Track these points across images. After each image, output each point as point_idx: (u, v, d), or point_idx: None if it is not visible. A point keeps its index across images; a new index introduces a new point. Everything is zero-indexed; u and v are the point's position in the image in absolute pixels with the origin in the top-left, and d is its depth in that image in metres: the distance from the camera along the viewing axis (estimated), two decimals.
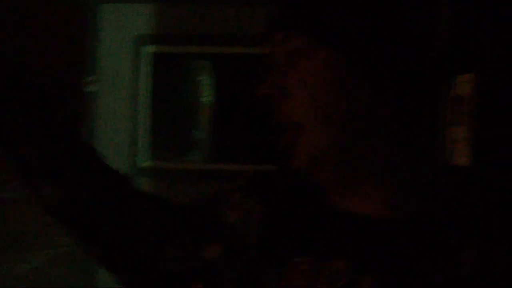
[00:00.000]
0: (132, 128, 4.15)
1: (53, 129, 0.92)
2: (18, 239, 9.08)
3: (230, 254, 0.92)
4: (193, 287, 0.93)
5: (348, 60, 0.84)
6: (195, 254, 0.92)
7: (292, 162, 0.87)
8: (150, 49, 4.13)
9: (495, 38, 1.98)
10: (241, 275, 0.91)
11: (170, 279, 0.93)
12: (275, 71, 0.89)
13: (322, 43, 0.85)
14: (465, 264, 0.81)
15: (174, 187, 4.16)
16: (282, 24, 0.89)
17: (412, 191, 0.88)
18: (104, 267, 0.93)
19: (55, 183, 0.91)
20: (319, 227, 0.88)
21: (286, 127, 0.87)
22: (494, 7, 2.05)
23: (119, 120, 4.18)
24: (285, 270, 0.85)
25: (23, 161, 0.91)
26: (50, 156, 0.91)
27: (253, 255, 0.91)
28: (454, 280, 0.81)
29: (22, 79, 0.92)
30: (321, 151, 0.85)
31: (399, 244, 0.84)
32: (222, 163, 4.15)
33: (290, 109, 0.86)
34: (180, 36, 4.12)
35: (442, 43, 0.91)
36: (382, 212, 0.86)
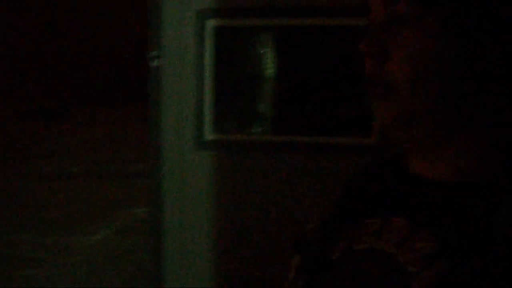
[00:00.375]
0: (197, 102, 4.18)
1: None
2: (88, 211, 9.34)
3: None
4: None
5: (451, 31, 0.89)
6: None
7: (377, 119, 1.00)
8: (214, 22, 4.14)
9: None
10: (324, 236, 1.05)
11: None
12: (378, 30, 0.96)
13: (428, 11, 0.88)
14: None
15: (240, 160, 4.19)
16: None
17: (485, 159, 0.92)
18: None
19: None
20: (389, 190, 1.01)
21: (379, 85, 0.94)
22: None
23: (185, 94, 4.21)
24: (357, 231, 0.97)
25: None
26: None
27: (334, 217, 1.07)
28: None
29: None
30: (409, 111, 0.93)
31: (459, 207, 0.88)
32: (286, 135, 4.15)
33: (387, 69, 0.93)
34: (242, 9, 4.11)
35: None
36: (449, 176, 0.94)
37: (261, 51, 4.22)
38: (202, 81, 4.15)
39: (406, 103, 0.92)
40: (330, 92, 4.10)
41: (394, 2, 0.93)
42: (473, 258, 0.81)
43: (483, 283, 0.79)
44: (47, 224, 8.17)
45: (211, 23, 4.12)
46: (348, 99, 4.10)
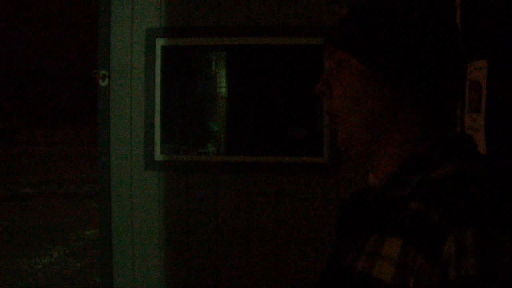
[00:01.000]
0: (147, 122, 4.15)
1: None
2: (40, 234, 9.17)
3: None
4: None
5: (375, 69, 1.16)
6: None
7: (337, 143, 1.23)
8: (163, 41, 4.12)
9: (508, 21, 1.97)
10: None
11: None
12: (326, 74, 1.24)
13: (354, 57, 1.17)
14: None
15: (189, 180, 4.15)
16: (332, 41, 1.22)
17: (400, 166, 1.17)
18: None
19: None
20: (361, 208, 1.25)
21: (330, 116, 1.23)
22: None
23: (134, 114, 4.17)
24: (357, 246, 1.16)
25: None
26: None
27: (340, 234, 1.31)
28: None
29: None
30: (348, 135, 1.20)
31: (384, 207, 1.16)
32: (237, 156, 4.13)
33: (332, 103, 1.22)
34: (192, 28, 4.10)
35: (457, 31, 1.19)
36: (382, 182, 1.18)
37: (212, 71, 4.21)
38: (152, 101, 4.11)
39: (345, 128, 1.20)
40: (281, 113, 4.11)
41: (335, 52, 1.21)
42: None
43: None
44: None
45: (160, 42, 4.10)
46: (299, 119, 4.11)
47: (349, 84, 1.18)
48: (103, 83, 4.15)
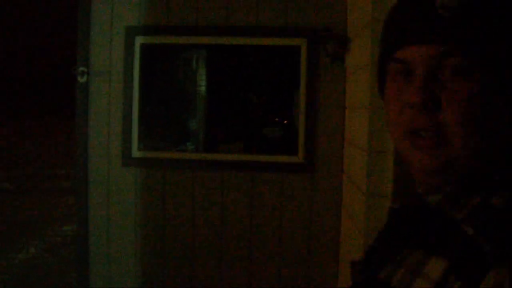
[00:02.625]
0: (125, 119, 4.16)
1: None
2: (17, 229, 9.12)
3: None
4: None
5: (502, 84, 0.97)
6: None
7: (414, 168, 1.04)
8: (143, 39, 4.13)
9: None
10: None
11: None
12: (429, 80, 0.98)
13: (483, 65, 0.96)
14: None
15: (167, 177, 4.18)
16: (443, 37, 0.97)
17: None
18: None
19: None
20: (412, 221, 1.10)
21: (429, 135, 0.98)
22: None
23: (112, 110, 4.19)
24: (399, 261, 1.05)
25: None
26: None
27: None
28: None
29: None
30: (457, 158, 0.99)
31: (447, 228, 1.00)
32: (215, 154, 4.16)
33: (440, 119, 0.97)
34: (172, 27, 4.12)
35: None
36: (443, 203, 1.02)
37: (191, 70, 4.24)
38: (130, 98, 4.13)
39: (456, 151, 0.98)
40: (259, 112, 4.15)
41: (449, 53, 0.97)
42: None
43: None
44: None
45: (140, 40, 4.12)
46: (276, 119, 4.15)
47: (470, 96, 0.96)
48: (81, 80, 4.16)
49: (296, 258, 4.12)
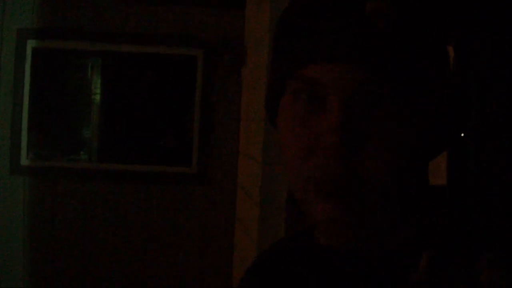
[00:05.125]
0: (14, 126, 4.03)
1: None
2: None
3: None
4: None
5: (415, 108, 0.78)
6: None
7: (318, 218, 0.81)
8: (35, 43, 4.01)
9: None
10: None
11: None
12: (349, 113, 0.75)
13: (388, 80, 0.75)
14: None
15: (57, 186, 4.07)
16: (373, 56, 0.75)
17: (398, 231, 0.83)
18: None
19: None
20: (299, 271, 0.89)
21: (346, 184, 0.77)
22: None
23: (2, 116, 4.04)
24: None
25: None
26: None
27: None
28: None
29: None
30: (372, 205, 0.80)
31: (369, 277, 0.81)
32: (109, 163, 4.09)
33: (364, 164, 0.76)
34: (67, 31, 4.03)
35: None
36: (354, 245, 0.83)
37: (86, 77, 4.15)
38: (20, 104, 3.99)
39: (374, 198, 0.78)
40: (153, 122, 4.11)
41: (377, 79, 0.75)
42: None
43: None
44: None
45: (32, 44, 3.99)
46: (170, 129, 4.13)
47: (393, 124, 0.76)
48: None
49: (190, 269, 4.10)
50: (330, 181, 0.76)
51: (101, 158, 4.13)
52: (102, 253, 4.09)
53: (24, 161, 4.02)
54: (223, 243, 4.06)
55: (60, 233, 4.08)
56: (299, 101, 0.78)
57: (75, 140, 4.17)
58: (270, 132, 2.92)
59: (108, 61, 4.10)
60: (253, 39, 3.52)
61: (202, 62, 4.01)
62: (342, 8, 0.75)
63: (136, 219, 4.09)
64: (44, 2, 4.02)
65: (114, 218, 4.08)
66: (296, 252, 0.92)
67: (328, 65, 0.75)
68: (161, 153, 4.10)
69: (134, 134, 4.11)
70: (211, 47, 4.00)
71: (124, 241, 4.09)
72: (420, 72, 0.77)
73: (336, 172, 0.75)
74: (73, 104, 4.15)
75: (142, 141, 4.11)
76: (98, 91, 4.13)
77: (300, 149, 0.78)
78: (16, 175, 4.04)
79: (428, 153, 0.84)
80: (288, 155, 0.81)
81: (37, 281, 4.10)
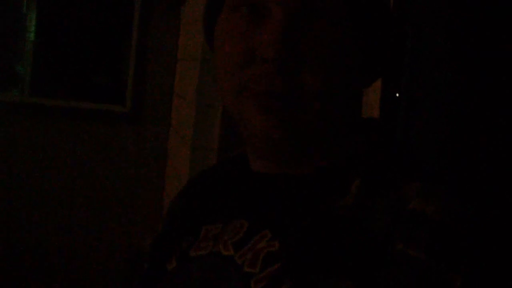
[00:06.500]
0: None
1: None
2: None
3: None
4: None
5: (358, 25, 0.79)
6: None
7: (259, 133, 0.80)
8: None
9: None
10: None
11: None
12: (290, 28, 0.75)
13: (342, 3, 0.76)
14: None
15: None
16: None
17: (330, 148, 0.84)
18: None
19: None
20: (230, 193, 0.90)
21: (284, 97, 0.77)
22: None
23: None
24: (196, 238, 0.87)
25: None
26: None
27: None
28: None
29: None
30: (308, 123, 0.80)
31: (301, 200, 0.81)
32: (40, 98, 4.00)
33: (301, 80, 0.77)
34: None
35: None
36: (286, 170, 0.83)
37: (20, 12, 4.02)
38: None
39: (314, 115, 0.77)
40: (87, 58, 4.01)
41: None
42: (313, 251, 0.75)
43: (315, 274, 0.74)
44: None
45: None
46: (105, 66, 4.03)
47: (334, 44, 0.76)
48: None
49: (119, 209, 4.06)
50: (267, 93, 0.75)
51: (33, 92, 4.01)
52: (27, 190, 4.01)
53: None
54: (153, 184, 4.03)
55: None
56: (238, 14, 0.77)
57: (9, 74, 4.08)
58: (204, 73, 2.88)
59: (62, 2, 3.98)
60: None
61: None
62: None
63: (66, 158, 4.01)
64: None
65: (42, 154, 3.99)
66: (226, 174, 0.94)
67: None
68: (95, 90, 4.01)
69: (68, 70, 4.00)
70: None
71: (52, 181, 4.01)
72: None
73: (274, 85, 0.74)
74: (7, 40, 4.04)
75: (76, 77, 4.01)
76: (33, 27, 4.01)
77: (236, 58, 0.77)
78: None
79: (364, 77, 0.84)
80: (222, 65, 0.79)
81: None
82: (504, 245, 0.72)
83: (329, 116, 0.79)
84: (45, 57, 4.03)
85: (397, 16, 0.89)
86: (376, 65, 0.84)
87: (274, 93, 0.75)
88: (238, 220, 0.83)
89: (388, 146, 0.86)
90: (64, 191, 4.02)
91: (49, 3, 3.99)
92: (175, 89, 3.90)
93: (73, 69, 4.00)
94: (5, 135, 3.97)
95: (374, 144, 0.85)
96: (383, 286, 0.70)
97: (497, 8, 1.25)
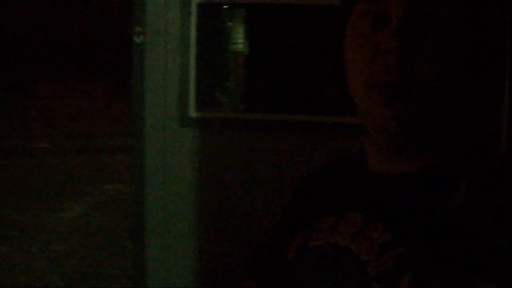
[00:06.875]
0: (181, 79, 4.16)
1: None
2: (59, 188, 9.23)
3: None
4: None
5: (469, 30, 0.90)
6: None
7: (377, 123, 0.94)
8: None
9: None
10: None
11: None
12: (407, 25, 0.88)
13: (454, 12, 0.88)
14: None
15: (224, 138, 4.18)
16: None
17: (443, 153, 0.93)
18: None
19: None
20: (345, 189, 1.01)
21: (398, 87, 0.90)
22: None
23: (169, 70, 4.18)
24: (312, 230, 0.97)
25: None
26: None
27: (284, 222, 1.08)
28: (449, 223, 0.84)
29: None
30: (421, 113, 0.91)
31: (413, 197, 0.90)
32: (271, 113, 4.15)
33: (414, 68, 0.89)
34: None
35: None
36: (407, 170, 0.94)
37: (247, 28, 4.20)
38: (187, 58, 4.12)
39: (422, 105, 0.89)
40: (318, 71, 4.11)
41: (424, 2, 0.88)
42: (424, 244, 0.83)
43: (434, 266, 0.80)
44: (19, 202, 8.07)
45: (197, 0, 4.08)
46: (335, 78, 4.11)
47: (447, 44, 0.88)
48: (137, 40, 4.15)
49: None
50: (388, 84, 0.88)
51: (265, 108, 4.16)
52: (266, 203, 4.15)
53: (193, 113, 4.15)
54: None
55: (225, 185, 4.19)
56: (364, 20, 0.93)
57: (240, 91, 4.26)
58: None
59: (271, 12, 4.12)
60: None
61: None
62: None
63: (298, 171, 4.11)
64: None
65: (278, 171, 4.12)
66: (341, 172, 1.06)
67: None
68: (326, 103, 4.10)
69: (298, 85, 4.12)
70: None
71: (285, 194, 4.13)
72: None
73: (393, 76, 0.88)
74: (238, 57, 4.23)
75: (308, 92, 4.12)
76: (241, 39, 4.17)
77: (364, 53, 0.91)
78: (185, 127, 4.18)
79: (472, 73, 0.92)
80: (352, 64, 0.95)
81: (205, 227, 4.26)
82: None
83: (440, 110, 0.90)
84: (271, 72, 4.18)
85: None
86: (483, 60, 0.92)
87: (395, 84, 0.88)
88: (352, 213, 0.93)
89: (494, 146, 0.96)
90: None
91: (257, 14, 4.13)
92: None
93: (302, 83, 4.11)
94: (236, 152, 4.16)
95: (479, 144, 0.93)
96: None
97: None
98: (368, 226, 0.90)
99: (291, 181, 4.16)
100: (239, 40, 4.21)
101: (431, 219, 0.85)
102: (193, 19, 4.10)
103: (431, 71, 0.87)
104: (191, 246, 4.28)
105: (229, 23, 4.22)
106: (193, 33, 4.11)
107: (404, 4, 0.87)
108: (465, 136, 0.94)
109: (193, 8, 4.09)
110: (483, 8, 0.89)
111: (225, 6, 4.21)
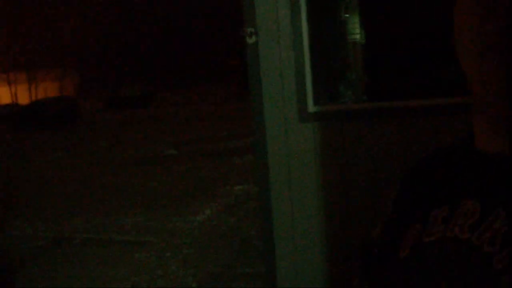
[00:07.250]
0: (298, 75, 4.14)
1: None
2: (189, 192, 9.47)
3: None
4: None
5: None
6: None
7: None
8: None
9: None
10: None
11: None
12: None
13: None
14: None
15: (343, 129, 4.12)
16: None
17: None
18: None
19: None
20: (455, 175, 0.92)
21: None
22: None
23: (283, 68, 4.18)
24: (426, 223, 0.90)
25: None
26: None
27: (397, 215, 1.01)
28: None
29: None
30: None
31: None
32: (390, 102, 4.06)
33: None
34: None
35: None
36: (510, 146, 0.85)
37: (362, 18, 4.14)
38: (301, 54, 4.10)
39: None
40: (436, 54, 3.98)
41: None
42: None
43: None
44: (151, 208, 8.33)
45: None
46: (452, 59, 3.97)
47: None
48: (250, 40, 4.17)
49: None
50: (507, 47, 0.77)
51: (384, 96, 4.10)
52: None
53: (312, 108, 4.13)
54: None
55: (350, 176, 4.15)
56: None
57: (354, 82, 4.21)
58: None
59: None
60: None
61: None
62: None
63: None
64: None
65: (403, 160, 4.04)
66: (452, 158, 0.97)
67: None
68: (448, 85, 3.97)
69: (412, 67, 4.02)
70: None
71: None
72: None
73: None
74: (346, 48, 4.19)
75: (423, 75, 4.01)
76: (357, 30, 4.11)
77: (479, 11, 0.80)
78: (305, 122, 4.16)
79: None
80: (464, 25, 0.84)
81: (332, 220, 4.22)
82: None
83: None
84: (375, 60, 4.10)
85: None
86: None
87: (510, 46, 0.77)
88: (467, 201, 0.84)
89: None
90: None
91: (371, 3, 4.05)
92: None
93: (414, 66, 4.00)
94: (356, 143, 4.10)
95: None
96: None
97: None
98: (488, 214, 0.82)
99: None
100: (355, 31, 4.15)
101: None
102: (303, 14, 4.07)
103: None
104: (319, 246, 4.25)
105: (346, 15, 4.17)
106: (304, 28, 4.08)
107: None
108: None
109: (302, 2, 4.07)
110: None
111: None
